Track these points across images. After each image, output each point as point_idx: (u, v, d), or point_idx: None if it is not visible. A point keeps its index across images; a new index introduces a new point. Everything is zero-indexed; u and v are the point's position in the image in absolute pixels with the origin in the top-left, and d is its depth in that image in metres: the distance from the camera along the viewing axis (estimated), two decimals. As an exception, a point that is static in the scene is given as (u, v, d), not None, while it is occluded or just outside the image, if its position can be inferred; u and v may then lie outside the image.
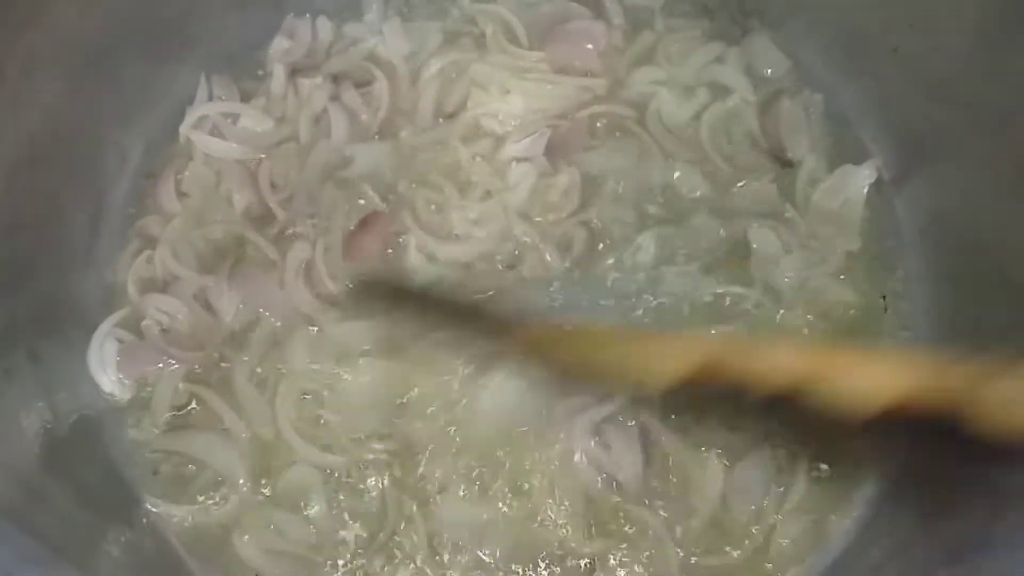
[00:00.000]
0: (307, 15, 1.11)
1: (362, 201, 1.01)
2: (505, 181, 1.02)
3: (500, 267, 0.98)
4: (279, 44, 1.10)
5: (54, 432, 0.86)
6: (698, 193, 1.01)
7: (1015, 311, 0.85)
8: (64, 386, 0.91)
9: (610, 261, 0.98)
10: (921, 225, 1.00)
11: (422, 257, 0.98)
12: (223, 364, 0.95)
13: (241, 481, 0.90)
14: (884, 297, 0.98)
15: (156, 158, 1.05)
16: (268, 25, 1.10)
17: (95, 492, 0.87)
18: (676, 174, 1.02)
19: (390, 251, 0.99)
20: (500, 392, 0.92)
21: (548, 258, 0.98)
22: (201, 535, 0.90)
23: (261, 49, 1.10)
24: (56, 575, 0.70)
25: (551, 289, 0.97)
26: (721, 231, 0.99)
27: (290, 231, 1.00)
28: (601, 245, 0.99)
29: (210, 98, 1.07)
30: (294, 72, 1.07)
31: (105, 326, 0.95)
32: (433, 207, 1.01)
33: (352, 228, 0.99)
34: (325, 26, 1.11)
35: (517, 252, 0.99)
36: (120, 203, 1.03)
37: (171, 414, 0.93)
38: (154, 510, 0.90)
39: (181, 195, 1.03)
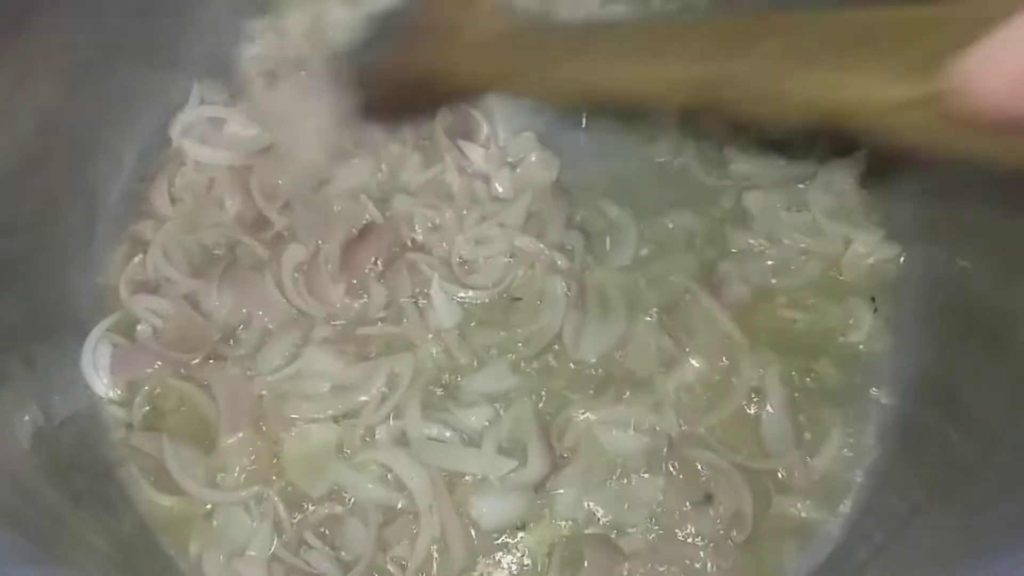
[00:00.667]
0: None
1: (338, 208, 1.00)
2: (493, 190, 1.02)
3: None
4: (249, 50, 1.09)
5: (47, 434, 0.87)
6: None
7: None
8: (58, 389, 0.92)
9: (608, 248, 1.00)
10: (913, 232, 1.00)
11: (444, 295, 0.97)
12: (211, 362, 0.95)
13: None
14: (873, 299, 0.99)
15: (149, 162, 1.05)
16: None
17: (87, 492, 0.87)
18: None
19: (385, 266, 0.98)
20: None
21: (559, 263, 0.99)
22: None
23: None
24: (48, 573, 0.70)
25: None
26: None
27: (286, 235, 1.00)
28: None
29: (202, 103, 1.07)
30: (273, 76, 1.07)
31: (98, 330, 0.96)
32: (430, 225, 1.01)
33: (350, 239, 0.98)
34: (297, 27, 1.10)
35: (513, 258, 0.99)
36: (113, 207, 1.03)
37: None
38: (143, 508, 0.91)
39: (174, 199, 1.04)
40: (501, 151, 1.04)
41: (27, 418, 0.86)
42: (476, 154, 1.03)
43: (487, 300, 0.98)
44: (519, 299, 0.98)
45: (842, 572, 0.86)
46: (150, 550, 0.89)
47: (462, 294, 0.98)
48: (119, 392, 0.95)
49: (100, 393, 0.95)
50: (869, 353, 0.97)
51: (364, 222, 1.00)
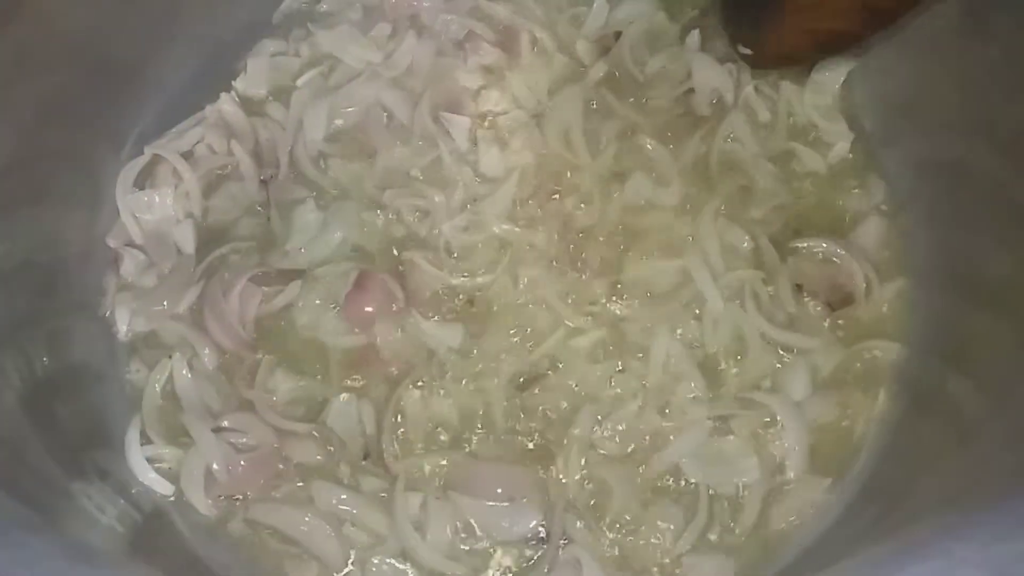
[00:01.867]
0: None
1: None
2: (480, 170, 1.01)
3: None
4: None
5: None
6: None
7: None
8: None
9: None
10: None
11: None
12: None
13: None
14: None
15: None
16: (258, 12, 1.13)
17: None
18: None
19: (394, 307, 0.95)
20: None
21: (540, 242, 0.97)
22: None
23: (250, 36, 1.12)
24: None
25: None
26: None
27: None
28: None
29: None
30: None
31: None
32: (419, 214, 1.00)
33: (349, 290, 0.95)
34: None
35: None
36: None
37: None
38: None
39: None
40: (491, 128, 1.03)
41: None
42: (460, 128, 1.01)
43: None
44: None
45: (846, 536, 0.83)
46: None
47: (457, 281, 0.96)
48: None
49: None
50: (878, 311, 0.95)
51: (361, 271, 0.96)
